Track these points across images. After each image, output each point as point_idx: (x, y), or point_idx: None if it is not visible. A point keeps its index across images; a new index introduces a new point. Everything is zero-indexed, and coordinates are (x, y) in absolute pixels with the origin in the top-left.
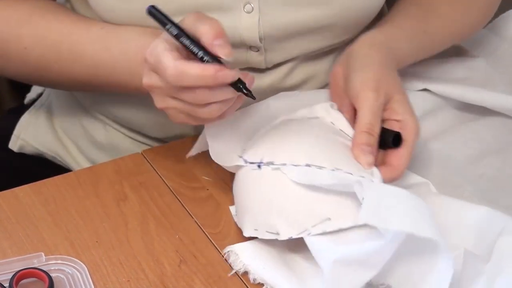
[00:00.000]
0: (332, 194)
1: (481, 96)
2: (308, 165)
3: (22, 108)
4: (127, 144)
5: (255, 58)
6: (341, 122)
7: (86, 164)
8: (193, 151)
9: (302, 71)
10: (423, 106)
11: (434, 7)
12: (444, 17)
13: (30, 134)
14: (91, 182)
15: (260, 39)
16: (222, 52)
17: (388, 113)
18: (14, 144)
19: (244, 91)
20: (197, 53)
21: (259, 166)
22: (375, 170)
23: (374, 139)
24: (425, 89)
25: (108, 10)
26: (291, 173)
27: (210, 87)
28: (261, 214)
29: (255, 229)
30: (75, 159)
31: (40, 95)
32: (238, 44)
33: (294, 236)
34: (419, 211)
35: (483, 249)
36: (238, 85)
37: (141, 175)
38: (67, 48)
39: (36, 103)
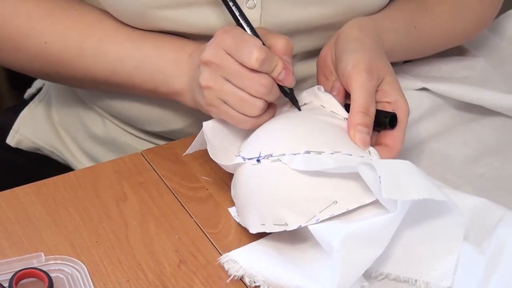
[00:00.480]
0: (335, 177)
1: (480, 95)
2: (307, 152)
3: (21, 106)
4: (125, 138)
5: None
6: (332, 103)
7: (83, 159)
8: (191, 149)
9: (301, 69)
10: (422, 105)
11: (429, 6)
12: (438, 16)
13: (29, 128)
14: (91, 182)
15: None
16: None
17: (379, 95)
18: (12, 139)
19: (293, 98)
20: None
21: (258, 161)
22: (372, 149)
23: (370, 119)
24: (424, 89)
25: None
26: (292, 162)
27: (273, 81)
28: (267, 207)
29: (262, 224)
30: (73, 153)
31: (39, 89)
32: None
33: (303, 225)
34: (426, 178)
35: (478, 239)
36: (287, 91)
37: (140, 175)
38: (91, 44)
39: (35, 98)
